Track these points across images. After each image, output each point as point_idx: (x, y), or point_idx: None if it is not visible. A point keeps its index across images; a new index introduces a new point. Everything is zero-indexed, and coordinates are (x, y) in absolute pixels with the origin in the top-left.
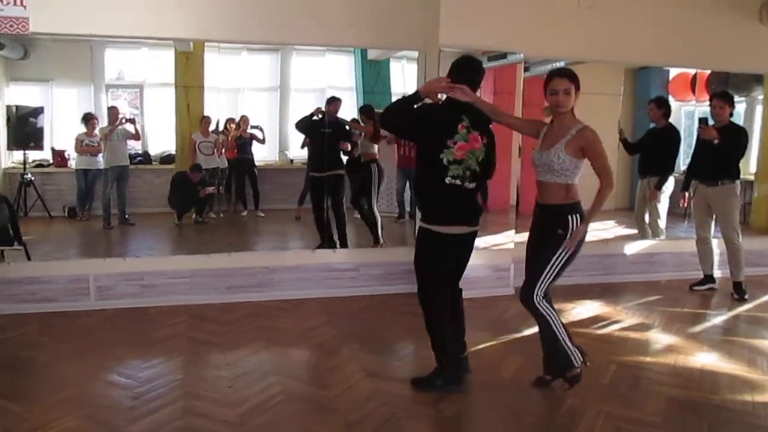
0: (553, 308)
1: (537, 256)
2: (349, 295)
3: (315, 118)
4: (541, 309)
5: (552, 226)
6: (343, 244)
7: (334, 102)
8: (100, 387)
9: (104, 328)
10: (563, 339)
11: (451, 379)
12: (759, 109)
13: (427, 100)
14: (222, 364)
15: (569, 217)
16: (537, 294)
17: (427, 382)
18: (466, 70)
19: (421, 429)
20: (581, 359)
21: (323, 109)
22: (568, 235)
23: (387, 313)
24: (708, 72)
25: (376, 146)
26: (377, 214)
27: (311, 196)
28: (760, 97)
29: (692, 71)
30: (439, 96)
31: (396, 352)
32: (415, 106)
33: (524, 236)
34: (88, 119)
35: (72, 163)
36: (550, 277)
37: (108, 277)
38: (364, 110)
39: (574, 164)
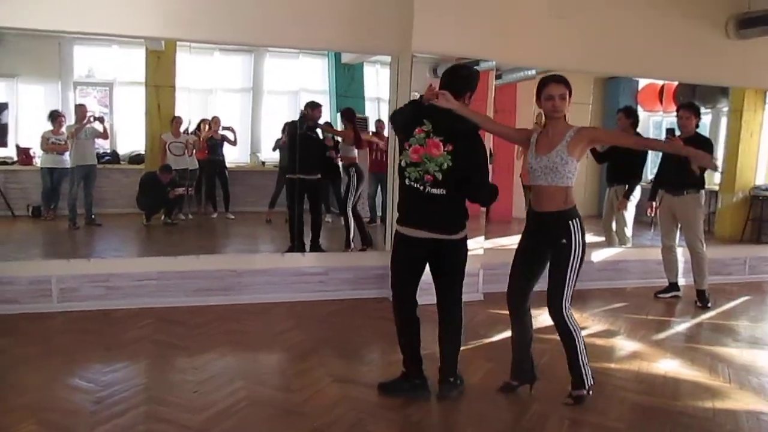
0: (578, 324)
1: (553, 271)
2: (319, 300)
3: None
4: (570, 326)
5: (555, 236)
6: (314, 248)
7: (316, 108)
8: (61, 391)
9: (67, 331)
10: (582, 358)
11: (418, 386)
12: (724, 121)
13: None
14: (188, 368)
15: (570, 223)
16: (566, 307)
17: (394, 386)
18: (451, 77)
19: None
20: (592, 383)
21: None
22: (573, 243)
23: (356, 318)
24: (676, 83)
25: (355, 150)
26: (351, 218)
27: (286, 197)
28: (725, 109)
29: (660, 82)
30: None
31: (364, 357)
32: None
33: (493, 242)
34: (55, 117)
35: (37, 161)
36: (572, 287)
37: (72, 279)
38: (345, 114)
39: (575, 166)
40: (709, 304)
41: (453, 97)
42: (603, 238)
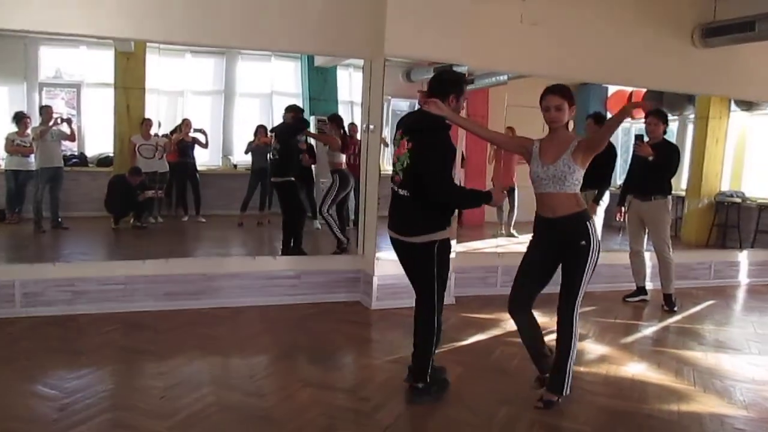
0: (578, 332)
1: (569, 273)
2: (291, 303)
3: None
4: (573, 327)
5: (573, 239)
6: (289, 250)
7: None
8: (23, 398)
9: (30, 337)
10: (571, 363)
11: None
12: (690, 128)
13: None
14: (155, 374)
15: (588, 224)
16: (577, 309)
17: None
18: (434, 81)
19: None
20: (568, 392)
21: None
22: (591, 243)
23: (328, 322)
24: (644, 90)
25: (342, 155)
26: (330, 220)
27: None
28: (692, 116)
29: (629, 89)
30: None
31: (336, 362)
32: None
33: (465, 246)
34: (20, 118)
35: (1, 164)
36: (585, 288)
37: (36, 284)
38: (333, 119)
39: (581, 173)
40: (676, 308)
41: (441, 102)
42: None
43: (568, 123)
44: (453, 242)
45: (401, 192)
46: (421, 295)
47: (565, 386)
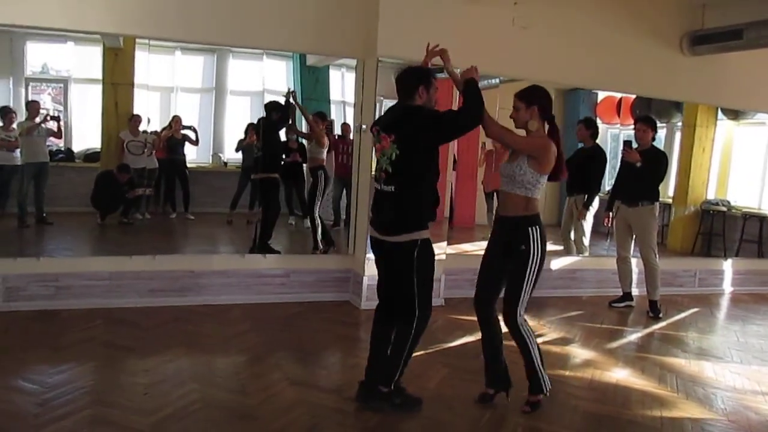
0: (532, 331)
1: (511, 277)
2: (278, 302)
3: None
4: (523, 332)
5: (514, 242)
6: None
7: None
8: (3, 393)
9: (12, 332)
10: (538, 363)
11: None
12: (678, 135)
13: None
14: (138, 371)
15: (529, 229)
16: (520, 314)
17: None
18: (405, 75)
19: None
20: (549, 387)
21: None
22: (531, 249)
23: (316, 321)
24: (633, 97)
25: (324, 153)
26: (318, 220)
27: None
28: (679, 123)
29: (618, 95)
30: None
31: (322, 361)
32: None
33: (455, 248)
34: (5, 113)
35: None
36: (528, 294)
37: (19, 278)
38: (320, 116)
39: (535, 177)
40: (661, 315)
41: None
42: (561, 247)
43: (530, 123)
44: (443, 244)
45: (386, 188)
46: (398, 296)
47: (544, 385)
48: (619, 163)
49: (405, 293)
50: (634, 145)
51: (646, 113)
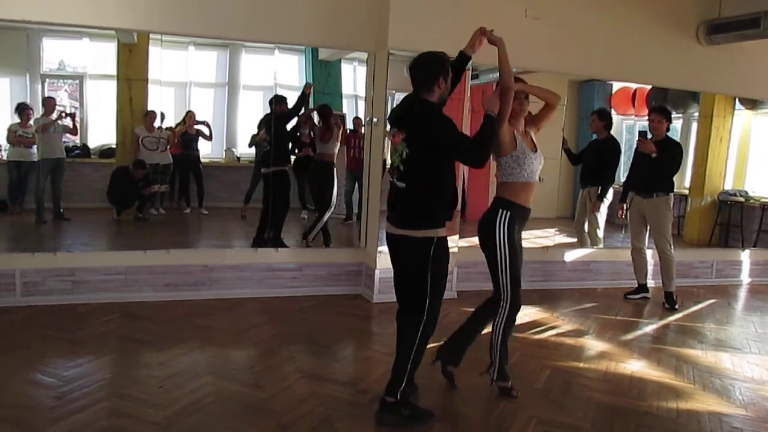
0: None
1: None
2: (291, 295)
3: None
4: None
5: None
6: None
7: (281, 102)
8: (21, 386)
9: (29, 326)
10: (496, 346)
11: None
12: (694, 126)
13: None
14: (153, 364)
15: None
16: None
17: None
18: (420, 66)
19: (355, 431)
20: (494, 377)
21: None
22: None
23: (328, 314)
24: (648, 87)
25: (336, 147)
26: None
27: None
28: (696, 114)
29: (633, 86)
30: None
31: (335, 354)
32: None
33: (468, 241)
34: (23, 109)
35: (3, 155)
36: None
37: (36, 273)
38: (320, 110)
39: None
40: (677, 306)
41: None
42: (575, 239)
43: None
44: (455, 237)
45: (399, 184)
46: (412, 298)
47: (492, 368)
48: (633, 154)
49: (415, 293)
50: (649, 135)
51: (662, 104)
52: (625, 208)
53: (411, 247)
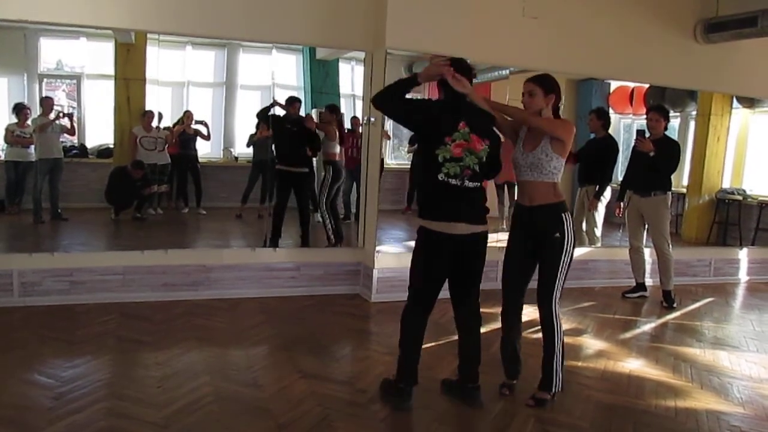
0: (562, 326)
1: (545, 265)
2: (289, 295)
3: (272, 111)
4: (554, 322)
5: (549, 230)
6: (306, 242)
7: (293, 103)
8: (19, 387)
9: (27, 326)
10: (557, 359)
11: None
12: (692, 125)
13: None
14: (152, 364)
15: (563, 216)
16: (555, 302)
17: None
18: (459, 69)
19: (353, 431)
20: (559, 389)
21: (277, 101)
22: (566, 236)
23: (326, 314)
24: (646, 86)
25: (337, 146)
26: (327, 213)
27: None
28: (694, 112)
29: (631, 85)
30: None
31: (334, 353)
32: (416, 98)
33: None
34: (20, 109)
35: (1, 155)
36: (563, 282)
37: (34, 273)
38: (330, 109)
39: (560, 163)
40: (675, 305)
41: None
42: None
43: (544, 111)
44: None
45: (470, 184)
46: (475, 294)
47: (554, 384)
48: (630, 153)
49: (478, 286)
50: (647, 134)
51: (659, 102)
52: (622, 206)
53: (483, 240)
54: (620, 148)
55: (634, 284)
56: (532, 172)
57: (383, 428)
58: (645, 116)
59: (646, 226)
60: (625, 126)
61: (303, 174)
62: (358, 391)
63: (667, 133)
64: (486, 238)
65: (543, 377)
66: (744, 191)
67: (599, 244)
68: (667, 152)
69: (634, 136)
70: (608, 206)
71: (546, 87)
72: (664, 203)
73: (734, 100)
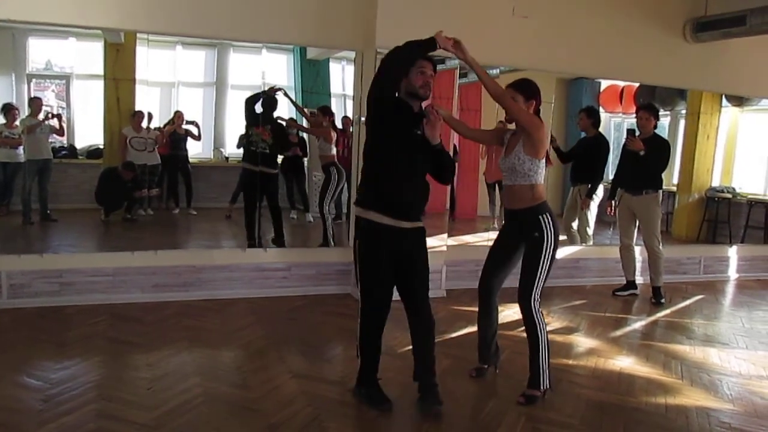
0: (545, 323)
1: (525, 264)
2: (280, 296)
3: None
4: (536, 319)
5: (527, 231)
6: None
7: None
8: (8, 389)
9: (16, 328)
10: (543, 356)
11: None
12: (682, 123)
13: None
14: (142, 365)
15: (540, 218)
16: (535, 299)
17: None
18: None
19: (344, 431)
20: (548, 386)
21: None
22: (545, 235)
23: (317, 314)
24: (636, 85)
25: (334, 148)
26: (327, 216)
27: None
28: (683, 111)
29: (621, 84)
30: None
31: (325, 354)
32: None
33: (457, 240)
34: (8, 110)
35: None
36: (543, 280)
37: (23, 275)
38: (323, 111)
39: (535, 164)
40: (663, 300)
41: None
42: (564, 237)
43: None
44: (444, 235)
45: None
46: (425, 293)
47: (542, 381)
48: (620, 152)
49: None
50: (637, 133)
51: (649, 101)
52: (614, 205)
53: (423, 237)
54: (611, 147)
55: (625, 282)
56: (511, 176)
57: (373, 428)
58: (635, 115)
59: (637, 224)
60: (616, 124)
61: (275, 175)
62: (349, 391)
63: (657, 131)
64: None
65: (531, 375)
66: (733, 189)
67: (591, 243)
68: (657, 151)
69: (625, 135)
70: (600, 205)
71: (527, 93)
72: (654, 201)
73: (723, 98)
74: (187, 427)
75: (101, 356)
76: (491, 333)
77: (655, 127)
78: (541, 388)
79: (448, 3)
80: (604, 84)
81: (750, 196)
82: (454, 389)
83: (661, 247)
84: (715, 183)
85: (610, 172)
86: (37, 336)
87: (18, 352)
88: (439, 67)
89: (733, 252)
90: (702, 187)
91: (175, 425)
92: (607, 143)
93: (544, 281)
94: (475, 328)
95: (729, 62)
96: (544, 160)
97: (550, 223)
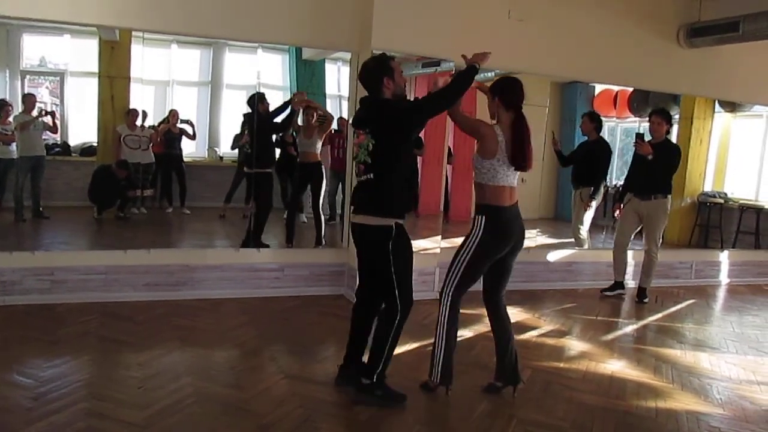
0: (453, 318)
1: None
2: (273, 296)
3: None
4: (444, 308)
5: (471, 226)
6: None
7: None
8: None
9: (6, 326)
10: (439, 348)
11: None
12: (675, 128)
13: None
14: (133, 364)
15: (476, 217)
16: (446, 292)
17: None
18: (365, 72)
19: (336, 431)
20: (437, 381)
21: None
22: (471, 234)
23: (310, 315)
24: (630, 90)
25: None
26: (322, 215)
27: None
28: (676, 116)
29: (615, 88)
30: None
31: (317, 354)
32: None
33: (450, 242)
34: (2, 106)
35: None
36: (458, 275)
37: (14, 272)
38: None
39: (480, 162)
40: (646, 300)
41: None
42: (559, 240)
43: (495, 116)
44: (437, 237)
45: (364, 178)
46: (382, 289)
47: (434, 371)
48: (631, 156)
49: (386, 284)
50: (647, 137)
51: (644, 106)
52: (621, 208)
53: (371, 235)
54: (615, 151)
55: (613, 282)
56: (474, 175)
57: (366, 429)
58: (648, 119)
59: (638, 228)
60: (609, 129)
61: (263, 174)
62: (341, 392)
63: (667, 137)
64: (377, 231)
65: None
66: (725, 194)
67: (586, 246)
68: (667, 156)
69: (634, 139)
70: (597, 208)
71: (491, 92)
72: (663, 207)
73: (716, 104)
74: (177, 426)
75: (92, 355)
76: (504, 344)
77: (668, 132)
78: (430, 377)
79: (444, 5)
80: (599, 88)
81: (742, 202)
82: (446, 392)
83: (658, 251)
84: (708, 188)
85: (614, 176)
86: (28, 334)
87: (8, 350)
88: (434, 68)
89: (724, 257)
90: (694, 192)
91: (166, 425)
92: (608, 147)
93: (462, 280)
94: (467, 331)
95: (722, 68)
96: (492, 161)
97: (483, 224)
